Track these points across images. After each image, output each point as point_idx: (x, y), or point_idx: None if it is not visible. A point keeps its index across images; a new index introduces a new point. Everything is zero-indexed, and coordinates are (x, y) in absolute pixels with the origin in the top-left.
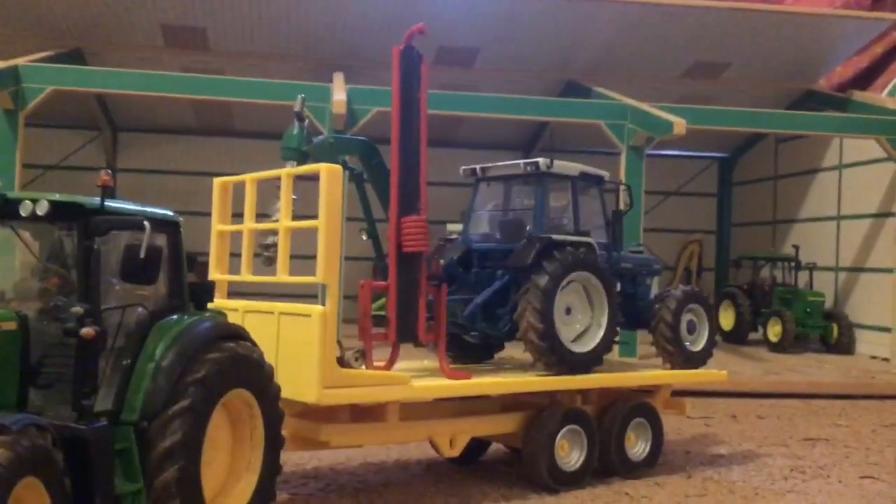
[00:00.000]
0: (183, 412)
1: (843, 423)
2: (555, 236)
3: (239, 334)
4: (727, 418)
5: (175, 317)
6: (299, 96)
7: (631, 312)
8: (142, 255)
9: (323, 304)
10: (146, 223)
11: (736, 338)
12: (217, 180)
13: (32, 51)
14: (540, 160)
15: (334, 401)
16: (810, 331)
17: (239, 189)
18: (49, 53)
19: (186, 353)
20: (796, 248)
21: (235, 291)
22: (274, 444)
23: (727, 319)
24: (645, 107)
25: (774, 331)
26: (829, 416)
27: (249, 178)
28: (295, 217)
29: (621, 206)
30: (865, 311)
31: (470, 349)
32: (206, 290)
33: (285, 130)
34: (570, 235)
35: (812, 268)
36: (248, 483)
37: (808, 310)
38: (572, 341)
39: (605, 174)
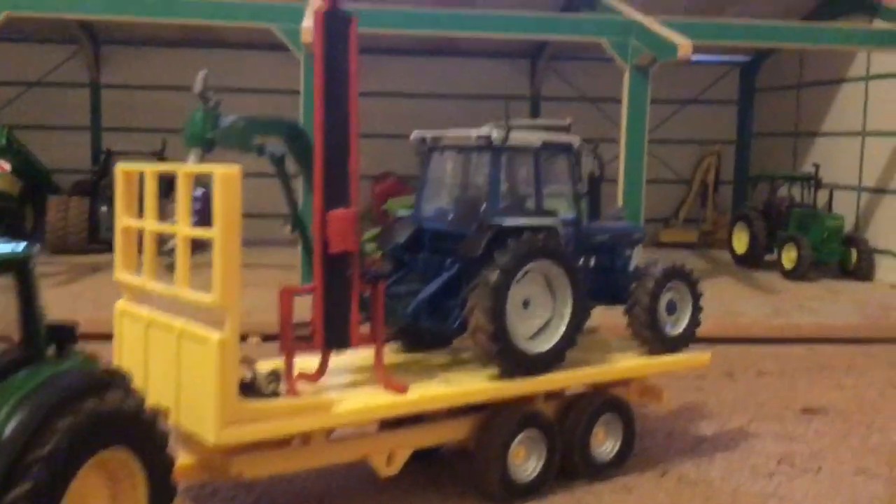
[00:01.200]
0: (22, 499)
1: (848, 381)
2: (507, 221)
3: (107, 382)
4: (723, 377)
5: (24, 372)
6: (200, 73)
7: (608, 287)
8: None
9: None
10: None
11: (749, 261)
12: (120, 167)
13: None
14: (493, 133)
15: (236, 439)
16: (827, 257)
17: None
18: None
19: (31, 422)
20: (816, 166)
21: None
22: (161, 498)
23: (741, 242)
24: (650, 23)
25: (789, 257)
26: (834, 372)
27: (149, 170)
28: None
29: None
30: (888, 235)
31: (425, 334)
32: (66, 332)
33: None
34: (531, 216)
35: (832, 188)
36: None
37: (825, 234)
38: (530, 338)
39: (575, 140)
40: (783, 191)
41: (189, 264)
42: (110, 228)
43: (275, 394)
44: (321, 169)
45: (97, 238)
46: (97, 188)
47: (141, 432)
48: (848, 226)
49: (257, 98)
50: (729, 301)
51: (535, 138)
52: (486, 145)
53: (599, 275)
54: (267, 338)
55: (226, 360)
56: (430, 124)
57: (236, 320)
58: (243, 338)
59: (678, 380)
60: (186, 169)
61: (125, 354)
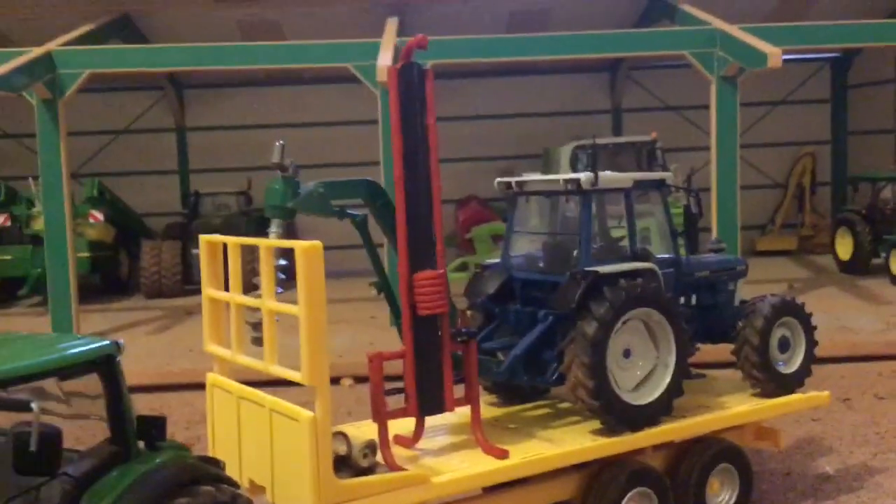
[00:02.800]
0: None
1: None
2: (603, 269)
3: (199, 476)
4: (839, 404)
5: (115, 472)
6: (277, 143)
7: (712, 325)
8: (32, 448)
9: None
10: (34, 406)
11: (855, 268)
12: (204, 239)
13: (75, 24)
14: (582, 176)
15: None
16: None
17: None
18: (89, 27)
19: None
20: None
21: None
22: None
23: (844, 247)
24: (735, 32)
25: None
26: None
27: (231, 241)
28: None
29: (693, 208)
30: None
31: (521, 386)
32: (155, 425)
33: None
34: (626, 260)
35: None
36: None
37: None
38: (633, 390)
39: (669, 176)
40: (887, 192)
41: (276, 338)
42: None
43: (371, 468)
44: (404, 230)
45: (191, 280)
46: (188, 230)
47: None
48: None
49: (337, 130)
50: (838, 314)
51: (625, 178)
52: (575, 189)
53: (702, 312)
54: (359, 380)
55: (320, 440)
56: (511, 145)
57: (327, 398)
58: (336, 380)
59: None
60: (268, 242)
61: (218, 429)
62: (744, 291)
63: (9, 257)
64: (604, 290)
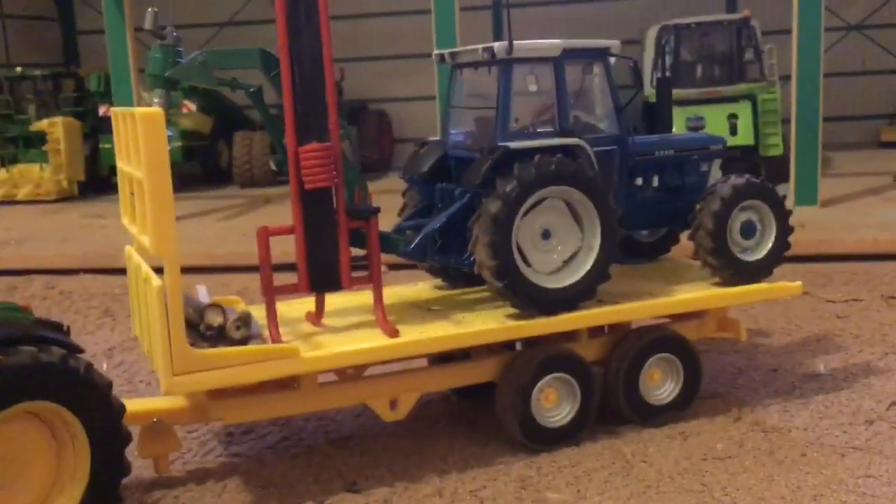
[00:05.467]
0: None
1: None
2: (514, 144)
3: (23, 336)
4: (880, 302)
5: None
6: (150, 10)
7: (677, 209)
8: None
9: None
10: None
11: None
12: (114, 111)
13: None
14: (496, 45)
15: (188, 388)
16: None
17: None
18: None
19: None
20: None
21: None
22: (110, 446)
23: None
24: None
25: None
26: None
27: (119, 113)
28: None
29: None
30: None
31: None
32: None
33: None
34: (550, 136)
35: None
36: (73, 496)
37: None
38: (553, 272)
39: (612, 44)
40: None
41: (144, 209)
42: None
43: (244, 340)
44: (290, 100)
45: (283, 170)
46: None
47: (66, 386)
48: None
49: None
50: None
51: (552, 46)
52: (490, 59)
53: (669, 195)
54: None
55: (169, 308)
56: (606, 29)
57: (175, 265)
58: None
59: (822, 305)
60: (116, 111)
61: (133, 300)
62: None
63: (110, 146)
64: (513, 166)
